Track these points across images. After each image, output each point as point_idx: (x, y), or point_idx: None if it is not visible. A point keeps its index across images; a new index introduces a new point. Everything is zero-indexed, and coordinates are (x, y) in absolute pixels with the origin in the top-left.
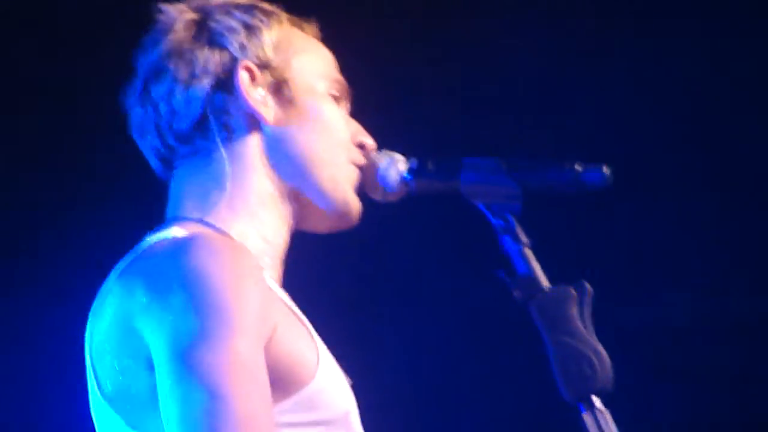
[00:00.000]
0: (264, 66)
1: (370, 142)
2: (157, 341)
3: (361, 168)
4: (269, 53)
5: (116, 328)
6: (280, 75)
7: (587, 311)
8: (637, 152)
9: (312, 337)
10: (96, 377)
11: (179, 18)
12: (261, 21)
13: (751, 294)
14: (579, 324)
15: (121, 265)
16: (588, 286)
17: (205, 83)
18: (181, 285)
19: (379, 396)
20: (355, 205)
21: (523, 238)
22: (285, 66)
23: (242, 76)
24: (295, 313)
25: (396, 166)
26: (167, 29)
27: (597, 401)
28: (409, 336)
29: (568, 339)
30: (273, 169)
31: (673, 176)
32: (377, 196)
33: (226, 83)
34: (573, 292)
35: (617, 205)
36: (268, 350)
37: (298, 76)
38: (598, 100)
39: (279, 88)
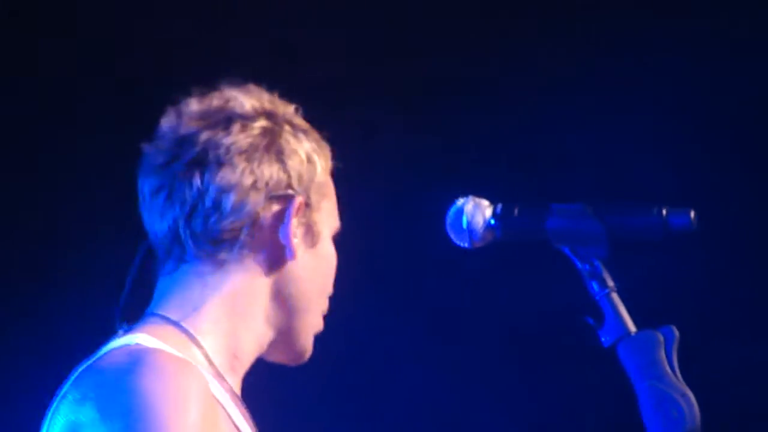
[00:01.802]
0: (306, 203)
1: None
2: None
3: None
4: (313, 192)
5: None
6: (313, 217)
7: (674, 355)
8: (725, 195)
9: None
10: None
11: (256, 119)
12: (318, 154)
13: None
14: (666, 368)
15: (81, 368)
16: (675, 330)
17: (261, 198)
18: (122, 413)
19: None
20: (309, 353)
21: (610, 282)
22: (318, 208)
23: (293, 211)
24: None
25: (481, 212)
26: (240, 123)
27: None
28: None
29: (656, 383)
30: (273, 301)
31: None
32: (464, 244)
33: (273, 206)
34: (660, 336)
35: (705, 248)
36: None
37: (322, 221)
38: (687, 144)
39: (309, 230)
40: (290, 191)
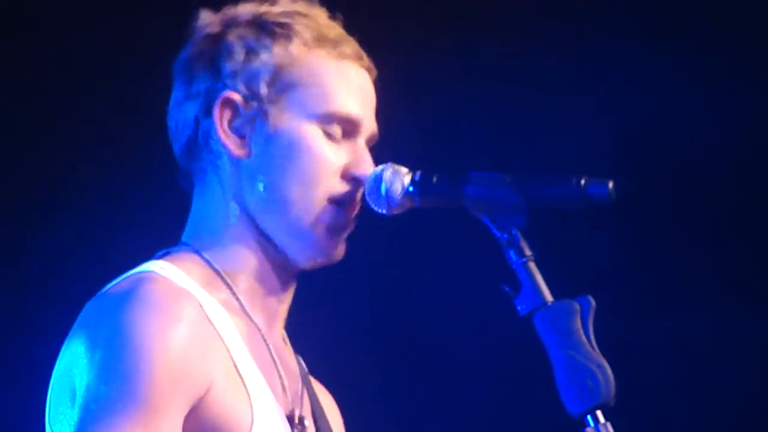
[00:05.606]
0: (251, 96)
1: (364, 175)
2: (77, 395)
3: (342, 202)
4: (260, 83)
5: (65, 369)
6: (265, 108)
7: (590, 325)
8: (650, 165)
9: (249, 399)
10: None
11: (204, 29)
12: (265, 46)
13: (756, 315)
14: (582, 338)
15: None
16: (592, 300)
17: (196, 105)
18: (106, 346)
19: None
20: (325, 245)
21: (528, 251)
22: (275, 98)
23: (217, 109)
24: (239, 373)
25: (400, 179)
26: (191, 39)
27: (600, 415)
28: (416, 350)
29: (571, 353)
30: (247, 204)
31: (689, 193)
32: (382, 210)
33: (211, 109)
34: (576, 305)
35: (624, 218)
36: (197, 409)
37: (287, 110)
38: (609, 112)
39: (260, 121)
40: (223, 92)
